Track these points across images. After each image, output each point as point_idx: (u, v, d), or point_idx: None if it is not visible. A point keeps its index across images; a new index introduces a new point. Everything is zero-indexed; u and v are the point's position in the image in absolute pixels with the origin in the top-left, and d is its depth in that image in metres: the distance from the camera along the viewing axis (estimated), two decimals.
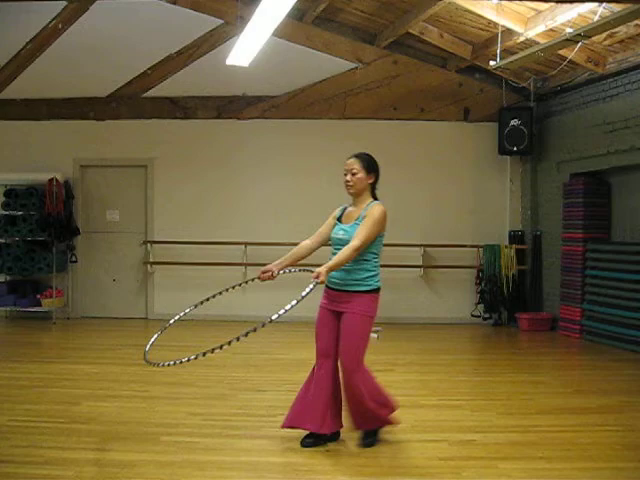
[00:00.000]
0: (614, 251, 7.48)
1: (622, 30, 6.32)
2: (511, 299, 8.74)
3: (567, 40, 5.97)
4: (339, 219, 3.93)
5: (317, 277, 3.55)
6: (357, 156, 3.86)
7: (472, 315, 8.80)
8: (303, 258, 3.98)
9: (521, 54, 6.69)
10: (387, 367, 6.21)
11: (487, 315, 8.78)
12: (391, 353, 6.88)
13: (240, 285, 4.31)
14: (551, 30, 6.52)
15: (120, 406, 4.67)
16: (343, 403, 3.87)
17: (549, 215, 8.60)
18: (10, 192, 8.66)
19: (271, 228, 8.86)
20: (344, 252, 3.65)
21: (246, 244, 8.70)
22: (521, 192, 8.99)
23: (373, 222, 3.70)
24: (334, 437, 3.90)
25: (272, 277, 3.89)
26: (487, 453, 3.80)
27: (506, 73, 8.22)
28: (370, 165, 3.84)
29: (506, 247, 8.78)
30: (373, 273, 3.79)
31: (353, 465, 3.61)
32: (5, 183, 8.73)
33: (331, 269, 3.65)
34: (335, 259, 3.67)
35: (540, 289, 8.76)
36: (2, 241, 8.71)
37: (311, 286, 3.51)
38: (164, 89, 8.73)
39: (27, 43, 7.75)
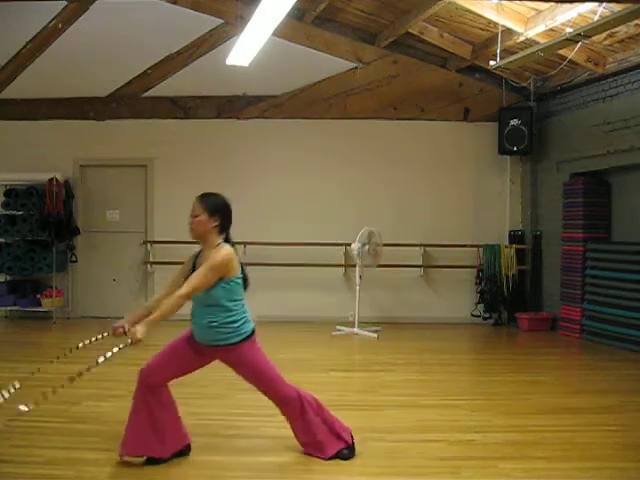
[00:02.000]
0: (614, 251, 7.48)
1: (622, 30, 6.31)
2: (511, 299, 8.74)
3: (567, 40, 5.97)
4: (194, 266, 3.55)
5: (133, 336, 3.24)
6: (200, 197, 3.52)
7: (472, 315, 8.80)
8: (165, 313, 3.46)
9: (521, 54, 6.68)
10: (387, 367, 6.22)
11: (487, 315, 8.78)
12: (391, 353, 6.89)
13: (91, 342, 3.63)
14: (551, 30, 6.51)
15: (120, 406, 4.64)
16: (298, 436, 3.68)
17: (549, 215, 8.59)
18: (10, 192, 8.66)
19: (271, 228, 8.86)
20: (169, 301, 3.35)
21: (246, 244, 8.68)
22: (521, 192, 8.98)
23: (208, 267, 3.37)
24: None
25: (124, 333, 3.43)
26: (487, 453, 3.80)
27: (506, 73, 8.22)
28: (214, 207, 3.48)
29: (506, 247, 8.78)
30: (242, 321, 3.51)
31: (353, 465, 3.61)
32: (5, 183, 8.73)
33: (152, 323, 3.29)
34: (158, 312, 3.33)
35: (540, 289, 8.76)
36: (2, 241, 8.72)
37: (121, 346, 3.24)
38: (164, 89, 8.73)
39: (27, 43, 7.75)
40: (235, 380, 5.51)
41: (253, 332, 3.57)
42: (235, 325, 3.49)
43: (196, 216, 3.47)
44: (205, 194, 3.55)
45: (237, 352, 3.54)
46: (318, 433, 3.65)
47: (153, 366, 3.62)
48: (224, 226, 3.53)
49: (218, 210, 3.50)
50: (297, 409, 3.61)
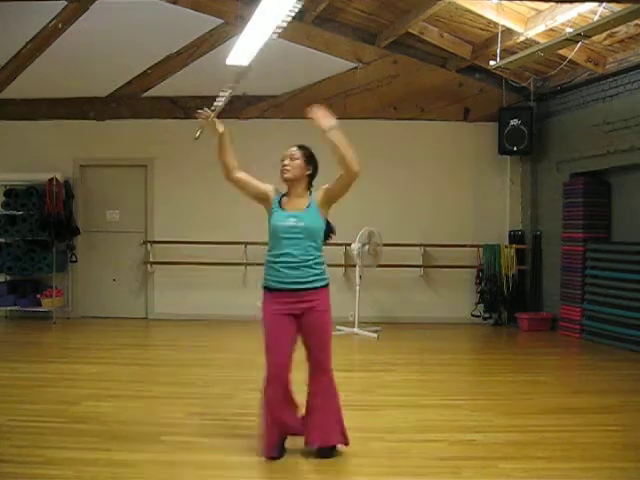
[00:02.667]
0: (614, 251, 7.48)
1: (622, 30, 6.31)
2: (511, 299, 8.73)
3: (567, 40, 5.97)
4: (279, 205, 3.78)
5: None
6: (299, 145, 3.84)
7: (472, 315, 8.79)
8: (227, 154, 4.11)
9: (521, 54, 6.69)
10: (387, 367, 6.22)
11: (487, 315, 8.78)
12: (391, 353, 6.89)
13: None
14: (551, 30, 6.51)
15: (120, 406, 4.67)
16: (314, 414, 3.70)
17: (549, 215, 8.60)
18: (10, 192, 8.67)
19: None
20: (350, 150, 3.57)
21: (246, 244, 8.70)
22: (521, 192, 8.98)
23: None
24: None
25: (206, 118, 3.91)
26: (487, 453, 3.80)
27: (506, 73, 8.22)
28: (311, 156, 3.82)
29: (506, 247, 8.78)
30: (325, 265, 3.74)
31: (353, 465, 3.61)
32: (5, 183, 8.73)
33: (337, 137, 3.58)
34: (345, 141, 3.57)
35: (540, 289, 8.76)
36: (2, 241, 8.72)
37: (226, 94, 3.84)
38: (164, 89, 8.73)
39: (27, 43, 7.74)
40: (237, 380, 5.54)
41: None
42: (324, 267, 3.70)
43: (296, 159, 3.77)
44: (302, 145, 3.85)
45: (319, 296, 3.64)
46: (335, 419, 3.68)
47: (283, 355, 3.61)
48: (313, 177, 3.85)
49: (312, 161, 3.83)
50: (334, 384, 3.70)
